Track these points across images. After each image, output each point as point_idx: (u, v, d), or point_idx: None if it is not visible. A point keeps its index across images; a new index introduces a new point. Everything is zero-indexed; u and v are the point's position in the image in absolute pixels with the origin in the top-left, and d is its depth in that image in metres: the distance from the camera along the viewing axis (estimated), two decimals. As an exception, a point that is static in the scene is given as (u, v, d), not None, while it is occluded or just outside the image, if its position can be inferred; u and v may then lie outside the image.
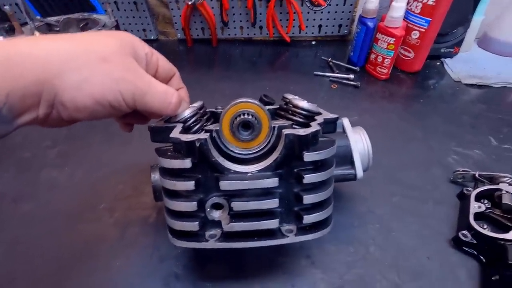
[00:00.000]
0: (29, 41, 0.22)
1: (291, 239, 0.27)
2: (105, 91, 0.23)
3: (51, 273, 0.36)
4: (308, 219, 0.27)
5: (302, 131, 0.26)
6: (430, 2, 0.62)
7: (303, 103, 0.33)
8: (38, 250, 0.39)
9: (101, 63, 0.23)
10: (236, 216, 0.27)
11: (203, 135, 0.26)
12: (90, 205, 0.44)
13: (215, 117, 0.37)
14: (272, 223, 0.27)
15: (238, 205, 0.26)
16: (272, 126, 0.28)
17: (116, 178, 0.48)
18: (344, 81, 0.70)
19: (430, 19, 0.63)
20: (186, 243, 0.27)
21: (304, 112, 0.32)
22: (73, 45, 0.23)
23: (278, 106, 0.37)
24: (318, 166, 0.27)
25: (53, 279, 0.36)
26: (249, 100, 0.28)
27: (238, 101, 0.28)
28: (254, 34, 0.87)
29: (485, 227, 0.37)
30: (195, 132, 0.31)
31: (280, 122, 0.31)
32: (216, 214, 0.27)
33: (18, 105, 0.21)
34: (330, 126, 0.32)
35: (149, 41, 0.88)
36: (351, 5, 0.80)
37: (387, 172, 0.48)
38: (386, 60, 0.67)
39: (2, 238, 0.40)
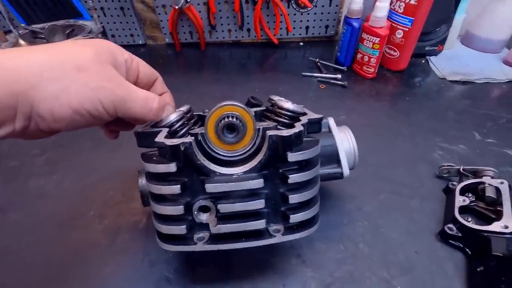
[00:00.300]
0: (1, 53, 0.21)
1: (278, 238, 0.27)
2: (83, 100, 0.23)
3: (42, 282, 0.36)
4: (295, 218, 0.27)
5: (285, 132, 0.26)
6: (412, 2, 0.63)
7: (288, 104, 0.33)
8: (28, 258, 0.38)
9: (77, 72, 0.23)
10: (223, 218, 0.27)
11: (188, 139, 0.26)
12: (80, 212, 0.44)
13: (203, 120, 0.37)
14: (259, 224, 0.27)
15: (225, 207, 0.26)
16: (257, 128, 0.29)
17: (106, 185, 0.47)
18: (332, 81, 0.71)
19: (413, 18, 0.65)
20: (174, 247, 0.28)
21: (289, 113, 0.33)
22: (48, 55, 0.22)
23: (265, 108, 0.37)
24: (302, 166, 0.28)
25: (44, 287, 0.36)
26: (234, 103, 0.28)
27: (223, 104, 0.28)
28: (242, 37, 0.87)
29: (469, 220, 0.37)
30: (181, 136, 0.32)
31: (265, 123, 0.31)
32: (203, 217, 0.27)
33: None
34: (315, 126, 0.33)
35: (137, 46, 0.88)
36: (337, 6, 0.81)
37: (375, 170, 0.49)
38: (372, 59, 0.68)
39: (-9, 249, 0.40)
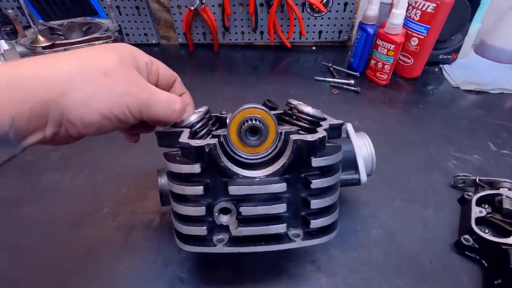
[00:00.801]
0: (30, 63, 0.22)
1: (298, 243, 0.27)
2: (111, 105, 0.23)
3: (54, 278, 0.36)
4: (315, 223, 0.27)
5: (309, 137, 0.26)
6: (429, 10, 0.63)
7: (308, 109, 0.33)
8: (40, 254, 0.39)
9: (104, 78, 0.23)
10: (243, 220, 0.27)
11: (212, 140, 0.26)
12: (93, 209, 0.44)
13: (220, 122, 0.38)
14: (280, 228, 0.27)
15: (247, 210, 0.26)
16: (279, 131, 0.29)
17: (119, 182, 0.48)
18: (345, 86, 0.70)
19: (429, 26, 0.64)
20: (194, 248, 0.28)
21: (309, 118, 0.33)
22: (75, 63, 0.23)
23: (282, 111, 0.37)
24: (325, 171, 0.28)
25: (56, 283, 0.36)
26: (256, 106, 0.28)
27: (246, 107, 0.28)
28: (255, 39, 0.87)
29: (486, 231, 0.37)
30: (202, 137, 0.32)
31: (286, 127, 0.31)
32: (224, 219, 0.27)
33: (24, 128, 0.21)
34: (336, 131, 0.33)
35: (150, 45, 0.89)
36: (351, 11, 0.81)
37: (388, 177, 0.48)
38: (386, 66, 0.68)
39: (4, 243, 0.40)
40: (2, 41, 0.74)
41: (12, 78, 0.20)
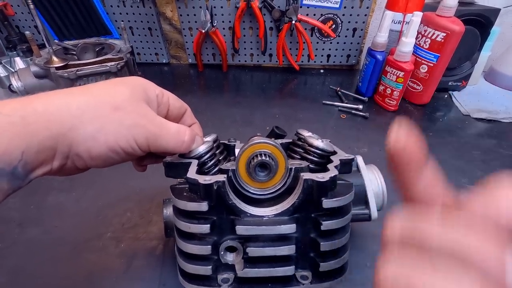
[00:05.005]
0: (43, 98, 0.22)
1: (306, 286, 0.26)
2: (119, 138, 0.23)
3: (53, 306, 0.35)
4: (324, 267, 0.26)
5: (320, 176, 0.25)
6: (438, 39, 0.63)
7: (318, 143, 0.32)
8: (41, 279, 0.38)
9: (114, 112, 0.23)
10: (250, 260, 0.26)
11: (221, 177, 0.25)
12: (97, 233, 0.43)
13: (228, 150, 0.37)
14: (288, 270, 0.26)
15: (254, 251, 0.25)
16: (289, 167, 0.28)
17: (124, 205, 0.47)
18: (353, 111, 0.70)
19: (439, 54, 0.64)
20: (197, 287, 0.27)
21: (319, 152, 0.32)
22: (87, 98, 0.23)
23: (291, 141, 0.37)
24: (335, 211, 0.27)
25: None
26: (266, 141, 0.28)
27: (255, 142, 0.28)
28: (264, 61, 0.88)
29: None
30: (209, 167, 0.31)
31: (296, 162, 0.31)
32: (230, 258, 0.27)
33: (32, 161, 0.21)
34: (346, 167, 0.32)
35: (160, 65, 0.90)
36: (360, 37, 0.82)
37: (398, 208, 0.47)
38: (395, 92, 0.68)
39: (6, 264, 0.39)
40: (18, 59, 0.76)
41: (26, 113, 0.21)
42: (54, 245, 0.42)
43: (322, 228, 0.25)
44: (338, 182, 0.28)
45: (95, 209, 0.47)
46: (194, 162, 0.29)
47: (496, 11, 0.67)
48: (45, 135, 0.21)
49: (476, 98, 0.76)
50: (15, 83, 0.59)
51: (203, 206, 0.25)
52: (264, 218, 0.26)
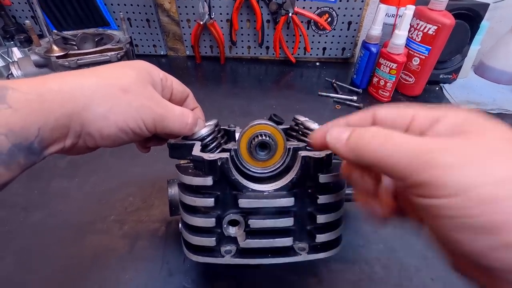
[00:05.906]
0: (57, 78, 0.23)
1: (303, 257, 0.28)
2: (128, 119, 0.25)
3: (60, 284, 0.37)
4: (321, 238, 0.28)
5: (317, 154, 0.27)
6: (430, 32, 0.65)
7: (315, 126, 0.34)
8: (47, 260, 0.39)
9: (123, 94, 0.25)
10: (251, 233, 0.28)
11: (224, 154, 0.27)
12: (100, 216, 0.45)
13: (228, 135, 0.39)
14: (287, 241, 0.28)
15: (255, 223, 0.27)
16: (288, 147, 0.30)
17: (126, 190, 0.48)
18: (348, 102, 0.72)
19: (430, 47, 0.67)
20: (202, 258, 0.28)
21: (316, 134, 0.34)
22: (97, 79, 0.24)
23: (288, 126, 0.39)
24: (331, 187, 0.29)
25: (62, 290, 0.36)
26: (266, 122, 0.30)
27: (255, 123, 0.29)
28: (261, 53, 0.90)
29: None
30: (212, 149, 0.33)
31: (294, 143, 0.33)
32: (232, 231, 0.28)
33: (48, 137, 0.22)
34: (341, 148, 0.34)
35: (158, 56, 0.91)
36: (355, 30, 0.84)
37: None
38: (388, 84, 0.70)
39: (12, 247, 0.40)
40: (15, 49, 0.76)
41: (42, 91, 0.22)
42: (59, 228, 0.43)
43: (319, 201, 0.27)
44: (333, 161, 0.30)
45: (98, 194, 0.48)
46: (197, 144, 0.30)
47: (485, 6, 0.70)
48: (60, 113, 0.22)
49: (466, 91, 0.78)
50: (15, 72, 0.59)
51: (208, 181, 0.26)
52: (265, 193, 0.28)
